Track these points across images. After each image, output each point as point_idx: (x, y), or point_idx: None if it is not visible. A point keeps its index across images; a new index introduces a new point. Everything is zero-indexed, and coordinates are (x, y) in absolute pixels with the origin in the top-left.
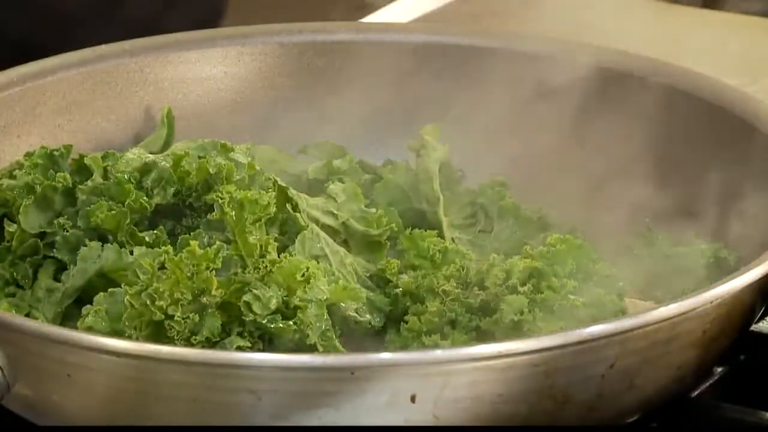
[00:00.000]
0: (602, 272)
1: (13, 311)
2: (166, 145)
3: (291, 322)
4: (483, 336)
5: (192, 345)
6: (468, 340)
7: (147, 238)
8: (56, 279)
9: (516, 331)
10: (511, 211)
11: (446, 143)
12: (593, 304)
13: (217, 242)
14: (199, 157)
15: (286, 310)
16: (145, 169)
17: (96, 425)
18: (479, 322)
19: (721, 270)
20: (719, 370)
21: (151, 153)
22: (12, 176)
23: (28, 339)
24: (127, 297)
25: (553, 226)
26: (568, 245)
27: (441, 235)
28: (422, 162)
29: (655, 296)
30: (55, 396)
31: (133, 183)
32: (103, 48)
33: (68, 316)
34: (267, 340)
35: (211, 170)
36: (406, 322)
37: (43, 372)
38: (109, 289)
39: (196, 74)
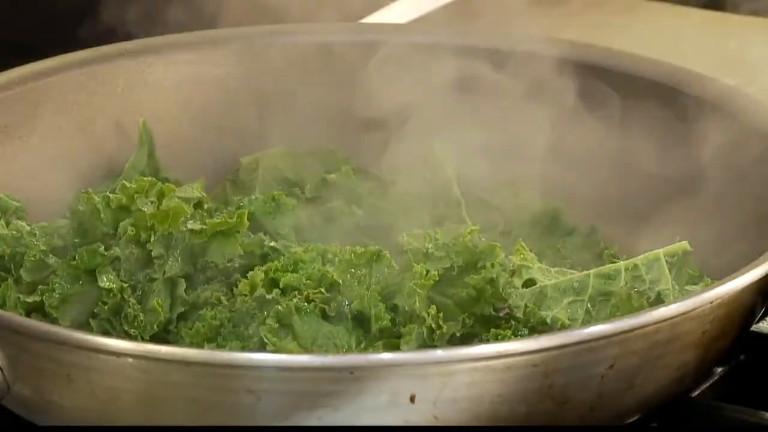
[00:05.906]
0: None
1: None
2: (151, 159)
3: None
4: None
5: None
6: None
7: None
8: None
9: None
10: (528, 209)
11: (451, 146)
12: None
13: None
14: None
15: None
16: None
17: (96, 425)
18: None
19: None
20: (719, 370)
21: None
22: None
23: (28, 339)
24: None
25: (572, 225)
26: None
27: None
28: (437, 170)
29: None
30: (55, 396)
31: None
32: (104, 48)
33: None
34: None
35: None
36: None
37: (43, 372)
38: None
39: (197, 75)
